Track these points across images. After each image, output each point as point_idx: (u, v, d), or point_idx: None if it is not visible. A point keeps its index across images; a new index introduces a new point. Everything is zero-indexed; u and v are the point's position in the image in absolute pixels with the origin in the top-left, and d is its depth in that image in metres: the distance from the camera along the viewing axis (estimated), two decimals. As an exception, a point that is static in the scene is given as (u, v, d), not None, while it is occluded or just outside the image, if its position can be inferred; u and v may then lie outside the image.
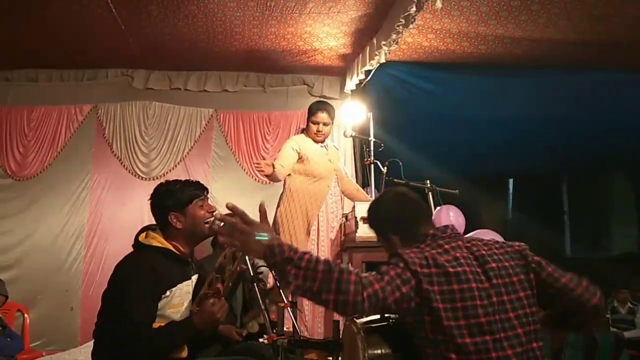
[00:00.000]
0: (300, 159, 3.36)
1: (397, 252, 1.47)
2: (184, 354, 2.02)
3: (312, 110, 3.51)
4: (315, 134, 3.48)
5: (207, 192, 2.21)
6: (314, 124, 3.48)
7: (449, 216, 3.13)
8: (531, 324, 1.44)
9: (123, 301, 1.91)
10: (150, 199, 2.17)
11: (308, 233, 3.29)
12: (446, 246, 1.50)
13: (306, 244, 3.28)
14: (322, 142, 3.54)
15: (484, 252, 1.50)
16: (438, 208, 3.25)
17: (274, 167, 3.18)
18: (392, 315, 1.98)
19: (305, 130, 3.56)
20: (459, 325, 1.37)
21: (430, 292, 1.38)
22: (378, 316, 2.01)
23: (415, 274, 1.40)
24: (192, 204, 2.11)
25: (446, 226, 1.60)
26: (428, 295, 1.38)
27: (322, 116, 3.48)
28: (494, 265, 1.47)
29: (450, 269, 1.42)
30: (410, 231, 1.61)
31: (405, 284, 1.39)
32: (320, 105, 3.56)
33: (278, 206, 3.39)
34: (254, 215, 4.55)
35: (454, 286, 1.40)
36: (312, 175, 3.37)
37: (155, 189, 2.19)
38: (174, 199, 2.10)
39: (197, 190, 2.16)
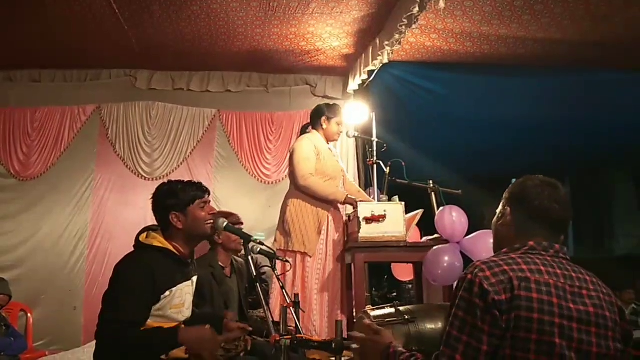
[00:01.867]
0: (317, 158, 3.35)
1: (474, 277, 1.27)
2: (184, 353, 2.02)
3: (337, 111, 3.50)
4: (337, 134, 3.50)
5: (209, 195, 2.21)
6: (339, 124, 3.49)
7: (452, 217, 3.12)
8: None
9: (113, 299, 1.91)
10: (152, 198, 2.18)
11: (319, 232, 3.28)
12: (541, 267, 1.30)
13: (317, 244, 3.27)
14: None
15: (584, 291, 1.29)
16: (441, 208, 3.24)
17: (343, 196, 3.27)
18: (405, 310, 1.99)
19: (315, 129, 3.51)
20: (526, 358, 1.20)
21: (507, 320, 1.22)
22: (392, 310, 2.01)
23: (493, 305, 1.22)
24: (194, 205, 2.12)
25: (553, 245, 1.36)
26: (505, 322, 1.22)
27: (342, 119, 3.54)
28: (591, 309, 1.27)
29: (535, 294, 1.23)
30: (539, 217, 1.39)
31: (483, 332, 1.22)
32: (341, 108, 3.60)
33: (286, 205, 3.36)
34: (254, 216, 4.53)
35: (535, 315, 1.22)
36: (324, 174, 3.36)
37: (158, 189, 2.19)
38: (176, 199, 2.11)
39: (199, 191, 2.16)
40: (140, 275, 1.94)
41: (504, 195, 1.49)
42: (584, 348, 1.23)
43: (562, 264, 1.33)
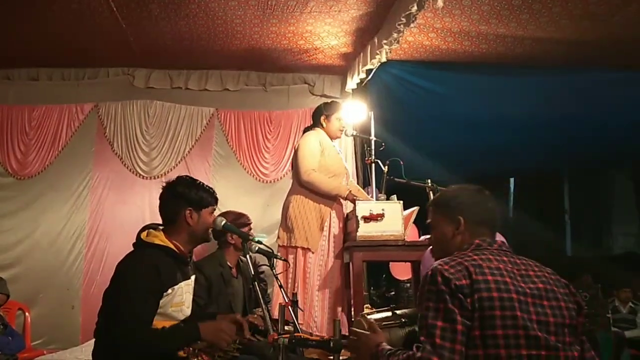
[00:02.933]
0: (321, 154, 3.36)
1: (435, 271, 1.41)
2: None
3: (337, 107, 3.52)
4: (340, 130, 3.50)
5: (216, 204, 2.24)
6: (339, 120, 3.50)
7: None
8: (574, 352, 1.39)
9: (123, 300, 1.91)
10: (170, 186, 2.16)
11: (321, 228, 3.28)
12: (490, 256, 1.46)
13: (319, 239, 3.28)
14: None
15: (531, 272, 1.46)
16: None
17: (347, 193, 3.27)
18: (402, 313, 2.00)
19: (317, 127, 3.52)
20: (494, 334, 1.33)
21: (471, 303, 1.35)
22: (389, 313, 2.02)
23: (456, 290, 1.36)
24: (207, 209, 2.15)
25: (495, 240, 1.56)
26: (469, 305, 1.35)
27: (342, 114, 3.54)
28: (540, 285, 1.42)
29: (490, 277, 1.38)
30: (479, 221, 1.58)
31: (455, 313, 1.35)
32: (339, 104, 3.61)
33: (289, 202, 3.36)
34: (253, 215, 4.52)
35: (494, 293, 1.35)
36: (327, 171, 3.36)
37: (180, 179, 2.18)
38: (198, 196, 2.12)
39: (214, 199, 2.20)
40: (148, 273, 1.95)
41: (441, 210, 1.66)
42: (542, 319, 1.37)
43: (506, 254, 1.51)
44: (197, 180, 2.22)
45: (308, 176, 3.25)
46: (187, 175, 2.24)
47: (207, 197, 2.16)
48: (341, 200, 3.38)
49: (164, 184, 2.19)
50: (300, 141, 3.45)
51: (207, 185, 2.22)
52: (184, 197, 2.12)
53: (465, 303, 1.35)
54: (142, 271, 1.95)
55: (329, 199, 3.30)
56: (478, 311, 1.34)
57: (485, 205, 1.62)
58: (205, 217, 2.14)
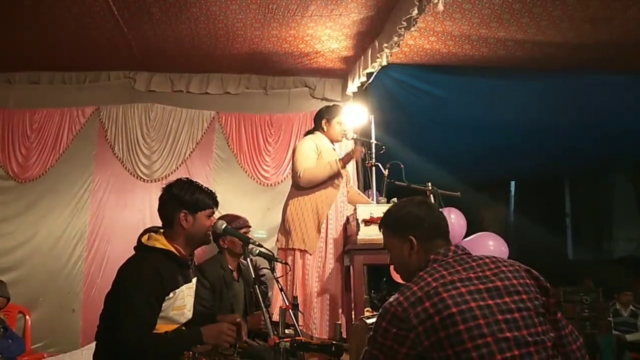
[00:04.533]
0: (318, 157, 3.36)
1: (387, 309, 1.43)
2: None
3: (338, 111, 3.53)
4: (341, 134, 3.51)
5: (217, 207, 2.23)
6: (340, 124, 3.50)
7: (451, 219, 3.12)
8: (546, 341, 1.38)
9: (126, 305, 1.91)
10: (167, 189, 2.16)
11: (319, 231, 3.29)
12: (444, 272, 1.47)
13: (317, 241, 3.28)
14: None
15: (487, 272, 1.46)
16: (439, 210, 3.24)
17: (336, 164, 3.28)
18: None
19: (317, 131, 3.53)
20: (465, 349, 1.33)
21: (433, 327, 1.37)
22: None
23: (410, 327, 1.38)
24: (204, 212, 2.14)
25: (448, 249, 1.55)
26: (432, 329, 1.37)
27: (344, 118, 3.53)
28: (499, 284, 1.43)
29: (445, 294, 1.39)
30: (430, 236, 1.59)
31: (399, 353, 1.38)
32: (341, 108, 3.61)
33: (287, 204, 3.37)
34: (254, 218, 4.52)
35: (452, 309, 1.36)
36: None
37: (178, 182, 2.18)
38: (193, 198, 2.11)
39: (213, 202, 2.18)
40: (150, 277, 1.95)
41: (392, 231, 1.66)
42: (508, 317, 1.37)
43: (462, 260, 1.51)
44: (196, 182, 2.21)
45: (303, 175, 3.27)
46: (186, 178, 2.23)
47: (204, 199, 2.14)
48: (339, 202, 3.38)
49: (164, 187, 2.18)
50: (296, 144, 3.48)
51: (206, 188, 2.20)
52: (178, 199, 2.12)
53: (418, 340, 1.36)
54: (144, 275, 1.95)
55: (326, 199, 3.30)
56: (442, 331, 1.35)
57: (432, 216, 1.63)
58: (201, 220, 2.12)
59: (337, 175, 3.33)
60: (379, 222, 1.75)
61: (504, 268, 1.48)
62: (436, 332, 1.35)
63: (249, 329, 2.88)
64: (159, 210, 2.17)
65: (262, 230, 4.61)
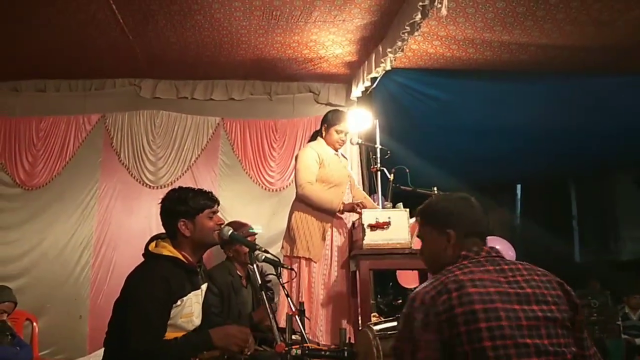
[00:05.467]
0: (320, 166, 3.37)
1: (415, 295, 1.43)
2: None
3: (337, 119, 3.51)
4: (338, 142, 3.50)
5: (219, 205, 2.22)
6: (338, 132, 3.49)
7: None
8: (567, 354, 1.37)
9: (136, 313, 1.91)
10: (161, 203, 2.17)
11: (324, 238, 3.29)
12: (473, 268, 1.47)
13: (322, 249, 3.28)
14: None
15: (519, 277, 1.45)
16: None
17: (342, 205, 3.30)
18: None
19: (319, 137, 3.55)
20: (482, 347, 1.33)
21: (454, 318, 1.36)
22: (395, 323, 2.01)
23: (434, 315, 1.38)
24: (202, 214, 2.13)
25: (482, 248, 1.55)
26: (454, 321, 1.36)
27: (345, 126, 3.53)
28: (529, 290, 1.42)
29: (472, 289, 1.39)
30: (468, 232, 1.57)
31: (426, 342, 1.37)
32: (344, 115, 3.59)
33: (292, 212, 3.38)
34: (259, 223, 4.54)
35: (476, 306, 1.36)
36: (328, 182, 3.37)
37: (168, 194, 2.19)
38: (185, 206, 2.11)
39: (209, 200, 2.17)
40: (159, 285, 1.96)
41: (431, 222, 1.65)
42: (532, 324, 1.36)
43: (494, 261, 1.50)
44: (187, 188, 2.21)
45: (302, 189, 3.28)
46: (174, 189, 2.22)
47: (198, 202, 2.13)
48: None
49: (159, 203, 2.19)
50: (297, 153, 3.49)
51: (198, 189, 2.20)
52: (171, 211, 2.12)
53: (444, 328, 1.36)
54: (153, 283, 1.96)
55: (324, 211, 3.31)
56: (463, 326, 1.34)
57: (473, 214, 1.61)
58: (202, 222, 2.12)
59: (329, 212, 3.32)
60: (416, 211, 1.74)
61: (536, 277, 1.47)
62: (456, 326, 1.35)
63: (255, 324, 2.87)
64: (162, 224, 2.19)
65: (268, 235, 4.60)
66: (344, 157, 3.77)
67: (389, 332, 1.92)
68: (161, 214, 2.17)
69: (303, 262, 3.26)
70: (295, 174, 3.38)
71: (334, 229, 3.34)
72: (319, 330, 3.15)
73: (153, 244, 2.13)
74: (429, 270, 1.65)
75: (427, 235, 1.66)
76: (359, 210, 3.19)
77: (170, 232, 2.14)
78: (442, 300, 1.38)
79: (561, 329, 1.39)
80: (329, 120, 3.51)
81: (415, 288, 4.61)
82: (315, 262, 3.24)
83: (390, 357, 1.54)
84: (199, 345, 1.98)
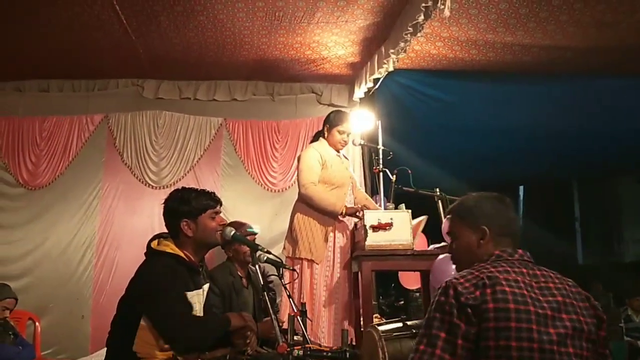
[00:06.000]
0: (323, 167, 3.37)
1: (449, 284, 1.42)
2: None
3: (339, 120, 3.51)
4: (340, 143, 3.50)
5: (221, 205, 2.23)
6: (340, 133, 3.49)
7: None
8: None
9: (162, 305, 1.91)
10: (165, 203, 2.18)
11: (326, 239, 3.29)
12: (508, 268, 1.45)
13: (324, 251, 3.27)
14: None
15: (551, 284, 1.45)
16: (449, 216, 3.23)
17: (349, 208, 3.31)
18: (413, 324, 1.99)
19: (321, 137, 3.54)
20: (508, 345, 1.32)
21: (486, 312, 1.35)
22: (400, 324, 2.01)
23: (466, 304, 1.36)
24: (205, 214, 2.14)
25: (516, 250, 1.53)
26: (484, 315, 1.35)
27: (347, 126, 3.53)
28: (560, 299, 1.41)
29: (507, 288, 1.38)
30: (501, 232, 1.56)
31: (460, 328, 1.35)
32: (346, 116, 3.60)
33: (294, 213, 3.37)
34: (261, 224, 4.54)
35: (510, 305, 1.35)
36: (330, 183, 3.37)
37: (171, 194, 2.20)
38: (188, 207, 2.12)
39: (211, 201, 2.18)
40: (172, 275, 1.98)
41: (464, 220, 1.63)
42: (561, 332, 1.35)
43: (527, 265, 1.49)
44: (190, 188, 2.22)
45: (306, 190, 3.27)
46: (177, 190, 2.24)
47: (200, 202, 2.14)
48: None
49: (162, 204, 2.21)
50: (300, 154, 3.48)
51: (201, 190, 2.21)
52: (175, 211, 2.13)
53: (474, 319, 1.35)
54: (165, 274, 1.97)
55: (326, 214, 3.31)
56: (493, 322, 1.34)
57: (507, 214, 1.60)
58: (204, 222, 2.13)
59: (332, 215, 3.32)
60: (448, 209, 1.74)
61: (567, 286, 1.46)
62: (486, 320, 1.34)
63: (260, 337, 2.87)
64: (165, 224, 2.20)
65: (270, 236, 4.61)
66: (346, 158, 3.76)
67: (394, 334, 1.92)
68: (164, 213, 2.18)
69: (305, 263, 3.26)
70: (298, 174, 3.38)
71: (336, 230, 3.33)
72: (320, 331, 3.15)
73: (155, 242, 2.13)
74: (457, 268, 1.63)
75: (460, 232, 1.64)
76: (360, 215, 3.19)
77: (173, 232, 2.14)
78: (476, 293, 1.38)
79: (586, 342, 1.39)
80: (331, 121, 3.51)
81: (418, 288, 4.58)
82: (318, 264, 3.24)
83: (396, 359, 1.54)
84: (222, 323, 2.02)
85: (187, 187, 2.26)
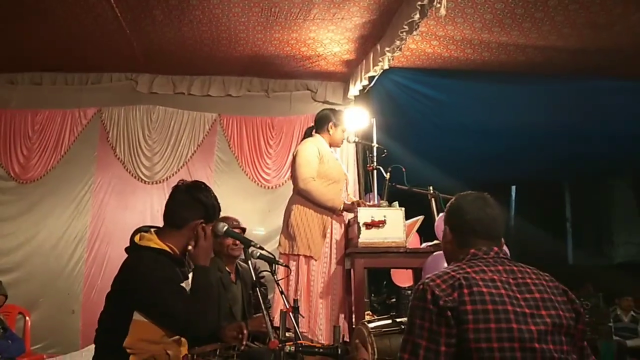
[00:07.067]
0: (320, 161, 3.35)
1: (425, 287, 1.41)
2: (184, 350, 2.02)
3: (343, 118, 3.51)
4: (341, 141, 3.50)
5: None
6: (344, 131, 3.50)
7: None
8: None
9: (162, 301, 1.89)
10: (188, 190, 2.08)
11: (324, 235, 3.27)
12: (484, 267, 1.46)
13: (322, 247, 3.26)
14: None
15: (528, 280, 1.45)
16: (441, 214, 3.24)
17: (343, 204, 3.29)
18: (402, 320, 1.99)
19: (315, 133, 3.52)
20: (490, 347, 1.32)
21: (464, 314, 1.35)
22: (389, 321, 2.01)
23: (445, 308, 1.36)
24: (211, 223, 2.09)
25: (491, 248, 1.53)
26: (462, 317, 1.35)
27: (346, 125, 3.53)
28: (537, 295, 1.42)
29: (484, 289, 1.38)
30: (468, 230, 1.57)
31: (440, 334, 1.35)
32: (345, 115, 3.60)
33: (291, 209, 3.35)
34: (254, 220, 4.52)
35: (489, 306, 1.35)
36: (327, 178, 3.35)
37: (198, 185, 2.12)
38: (214, 209, 2.08)
39: (218, 214, 2.15)
40: (161, 267, 1.95)
41: (445, 219, 1.67)
42: (541, 328, 1.36)
43: (503, 262, 1.49)
44: (217, 200, 2.14)
45: (305, 184, 3.24)
46: (202, 183, 2.17)
47: (218, 211, 2.11)
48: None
49: (181, 185, 2.10)
50: (298, 148, 3.43)
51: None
52: (202, 206, 2.05)
53: (453, 321, 1.35)
54: (155, 268, 1.93)
55: (325, 209, 3.30)
56: (472, 323, 1.34)
57: (483, 213, 1.59)
58: (209, 232, 2.07)
59: (330, 210, 3.32)
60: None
61: (544, 282, 1.47)
62: (465, 322, 1.34)
63: (250, 332, 2.86)
64: (169, 210, 2.08)
65: (263, 232, 4.61)
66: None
67: (383, 330, 1.92)
68: (183, 201, 2.05)
69: (302, 259, 3.24)
70: (295, 169, 3.32)
71: (334, 226, 3.32)
72: (318, 329, 3.13)
73: (137, 236, 2.09)
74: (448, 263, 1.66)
75: (443, 230, 1.68)
76: (356, 211, 3.19)
77: (178, 222, 2.03)
78: (453, 294, 1.37)
79: (565, 336, 1.39)
80: (336, 120, 3.48)
81: (410, 286, 4.57)
82: (316, 260, 3.23)
83: (385, 354, 1.54)
84: (205, 283, 2.00)
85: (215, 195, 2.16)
